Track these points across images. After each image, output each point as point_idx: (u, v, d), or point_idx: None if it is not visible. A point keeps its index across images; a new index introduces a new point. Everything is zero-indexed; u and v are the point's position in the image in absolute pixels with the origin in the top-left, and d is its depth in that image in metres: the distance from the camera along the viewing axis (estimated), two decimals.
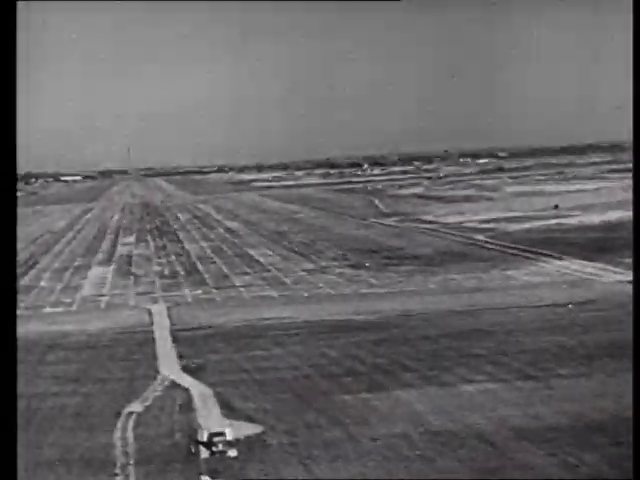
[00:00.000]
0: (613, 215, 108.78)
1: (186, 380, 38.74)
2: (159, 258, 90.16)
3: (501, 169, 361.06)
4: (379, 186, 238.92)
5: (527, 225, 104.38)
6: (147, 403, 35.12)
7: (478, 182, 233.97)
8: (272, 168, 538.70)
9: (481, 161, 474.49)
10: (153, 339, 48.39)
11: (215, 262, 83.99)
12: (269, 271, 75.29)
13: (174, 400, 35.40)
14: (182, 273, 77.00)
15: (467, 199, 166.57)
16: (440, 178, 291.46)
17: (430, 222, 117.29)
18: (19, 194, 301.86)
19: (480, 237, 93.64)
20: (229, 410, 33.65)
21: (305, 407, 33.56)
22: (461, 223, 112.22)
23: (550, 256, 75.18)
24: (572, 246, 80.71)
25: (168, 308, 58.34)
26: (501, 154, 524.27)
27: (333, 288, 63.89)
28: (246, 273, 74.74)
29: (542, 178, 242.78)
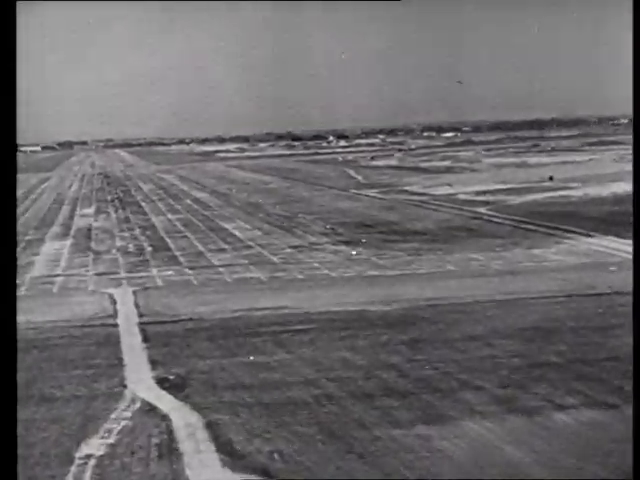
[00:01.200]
0: (619, 187, 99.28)
1: (164, 400, 28.17)
2: (122, 232, 79.21)
3: (470, 142, 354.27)
4: (349, 157, 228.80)
5: (529, 197, 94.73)
6: (110, 440, 24.46)
7: (452, 154, 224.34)
8: (233, 140, 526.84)
9: (446, 135, 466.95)
10: (117, 336, 37.63)
11: (186, 236, 73.30)
12: (250, 247, 64.75)
13: (148, 436, 24.79)
14: (149, 249, 66.25)
15: (449, 170, 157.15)
16: (411, 150, 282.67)
17: (419, 194, 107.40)
18: None
19: (482, 210, 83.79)
20: (230, 455, 23.12)
21: (342, 451, 23.11)
22: (453, 195, 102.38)
23: (573, 232, 65.37)
24: (593, 221, 71.02)
25: (135, 293, 47.65)
26: (465, 128, 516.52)
27: (332, 269, 53.46)
28: (223, 250, 64.18)
29: (519, 150, 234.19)
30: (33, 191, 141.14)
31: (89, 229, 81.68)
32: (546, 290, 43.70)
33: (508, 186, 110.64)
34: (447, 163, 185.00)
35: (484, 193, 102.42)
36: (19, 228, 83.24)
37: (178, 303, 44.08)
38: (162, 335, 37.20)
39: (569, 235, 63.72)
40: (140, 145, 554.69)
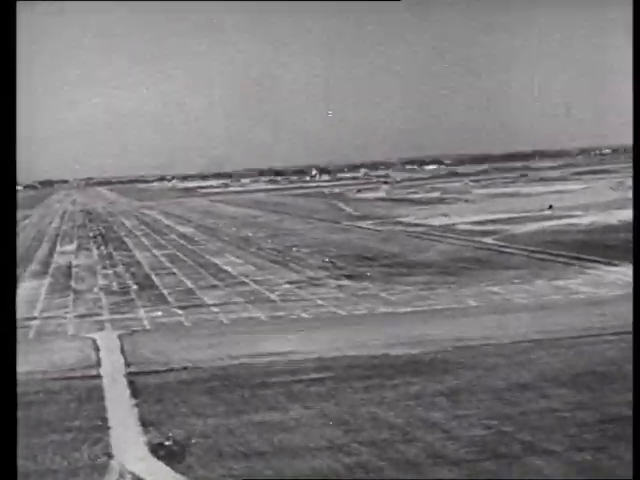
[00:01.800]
0: (625, 214, 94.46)
1: (160, 475, 22.65)
2: (104, 269, 73.69)
3: (455, 173, 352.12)
4: (336, 190, 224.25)
5: (533, 226, 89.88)
6: None
7: (439, 186, 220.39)
8: (215, 177, 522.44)
9: (429, 167, 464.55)
10: (101, 390, 32.10)
11: (173, 273, 67.88)
12: (244, 284, 59.39)
13: None
14: (134, 288, 60.72)
15: (440, 201, 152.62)
16: (397, 182, 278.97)
17: (415, 225, 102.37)
18: None
19: (487, 240, 78.72)
20: None
21: None
22: (451, 225, 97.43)
23: (595, 261, 60.33)
24: (613, 249, 65.97)
25: (120, 338, 42.18)
26: (446, 161, 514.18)
27: (339, 306, 48.17)
28: (215, 287, 58.85)
29: (507, 181, 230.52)
30: None
31: (69, 267, 76.12)
32: (588, 327, 38.52)
33: (507, 215, 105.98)
34: (436, 194, 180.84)
35: (483, 223, 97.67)
36: None
37: (170, 348, 38.69)
38: (154, 388, 31.73)
39: (590, 265, 58.74)
40: (121, 183, 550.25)
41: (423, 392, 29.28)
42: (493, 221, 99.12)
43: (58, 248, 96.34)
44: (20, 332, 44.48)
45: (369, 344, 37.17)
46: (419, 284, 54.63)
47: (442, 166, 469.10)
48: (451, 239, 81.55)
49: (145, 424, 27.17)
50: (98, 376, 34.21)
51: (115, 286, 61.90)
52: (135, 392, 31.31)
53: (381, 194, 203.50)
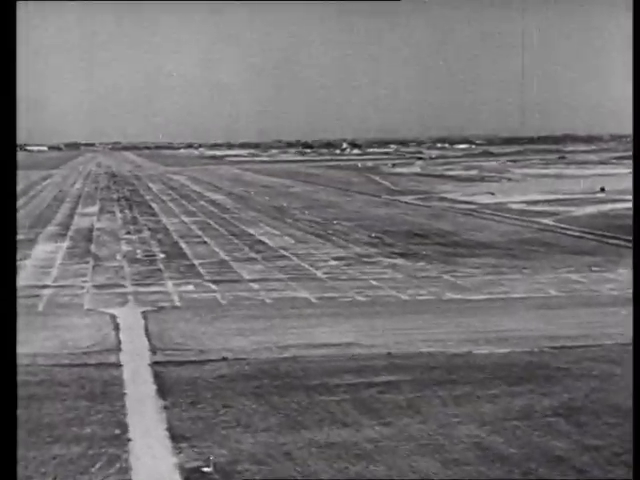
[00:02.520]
0: None
1: None
2: (128, 234, 67.26)
3: (490, 153, 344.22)
4: (369, 164, 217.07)
5: (591, 209, 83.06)
6: None
7: (475, 164, 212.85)
8: (242, 146, 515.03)
9: (460, 146, 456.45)
10: (120, 384, 25.61)
11: (205, 242, 61.39)
12: (285, 258, 52.89)
13: None
14: (161, 256, 54.26)
15: (482, 179, 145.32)
16: (432, 159, 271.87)
17: (462, 202, 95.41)
18: None
19: (547, 221, 71.81)
20: None
21: None
22: (503, 204, 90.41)
23: None
24: None
25: (145, 316, 35.71)
26: (477, 141, 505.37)
27: (399, 289, 41.49)
28: (252, 260, 52.31)
29: (545, 162, 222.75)
30: (33, 187, 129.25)
31: (90, 230, 69.74)
32: None
33: (560, 197, 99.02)
34: (475, 172, 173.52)
35: (536, 203, 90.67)
36: None
37: (204, 332, 32.23)
38: (186, 384, 25.28)
39: None
40: (148, 148, 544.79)
41: (531, 409, 22.69)
42: (545, 202, 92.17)
43: (79, 210, 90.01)
44: (29, 302, 38.38)
45: (445, 338, 30.59)
46: (485, 267, 47.99)
47: (473, 146, 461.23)
48: (507, 219, 74.70)
49: (176, 438, 20.72)
50: (117, 365, 27.82)
51: (140, 254, 55.50)
52: (163, 389, 24.87)
53: (416, 169, 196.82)
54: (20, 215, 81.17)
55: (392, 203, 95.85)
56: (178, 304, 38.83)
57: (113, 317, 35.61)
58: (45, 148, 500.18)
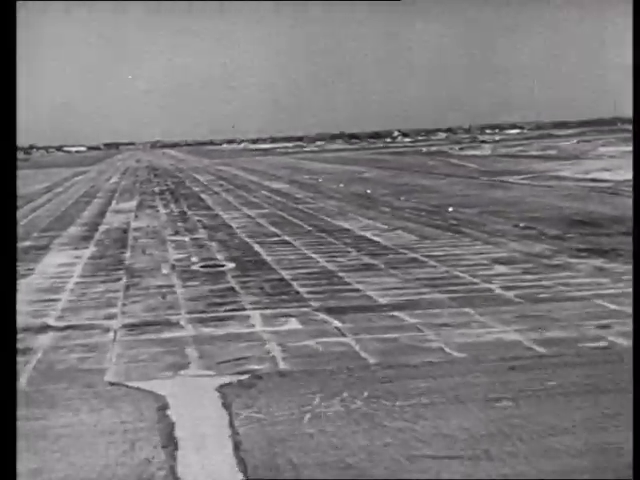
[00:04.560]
0: None
1: None
2: (177, 234, 48.41)
3: (551, 135, 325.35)
4: (433, 149, 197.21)
5: None
6: None
7: (548, 145, 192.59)
8: (286, 140, 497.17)
9: (511, 131, 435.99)
10: None
11: (287, 243, 42.41)
12: (420, 263, 33.76)
13: None
14: (230, 266, 35.18)
15: (577, 157, 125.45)
16: (496, 141, 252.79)
17: (590, 180, 75.86)
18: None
19: None
20: None
21: None
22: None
23: None
24: None
25: (224, 400, 16.49)
26: (526, 127, 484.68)
27: None
28: (371, 268, 33.26)
29: (620, 141, 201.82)
30: (60, 184, 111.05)
31: (125, 230, 50.89)
32: None
33: None
34: (554, 152, 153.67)
35: None
36: (25, 228, 52.69)
37: (356, 443, 12.78)
38: None
39: None
40: (188, 145, 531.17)
41: None
42: None
43: (112, 206, 71.32)
44: (24, 360, 19.28)
45: None
46: None
47: (525, 130, 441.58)
48: None
49: None
50: None
51: (197, 264, 36.44)
52: None
53: (487, 152, 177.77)
54: (33, 217, 62.59)
55: (499, 185, 76.52)
56: (283, 365, 19.70)
57: (161, 407, 16.54)
58: (83, 148, 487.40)
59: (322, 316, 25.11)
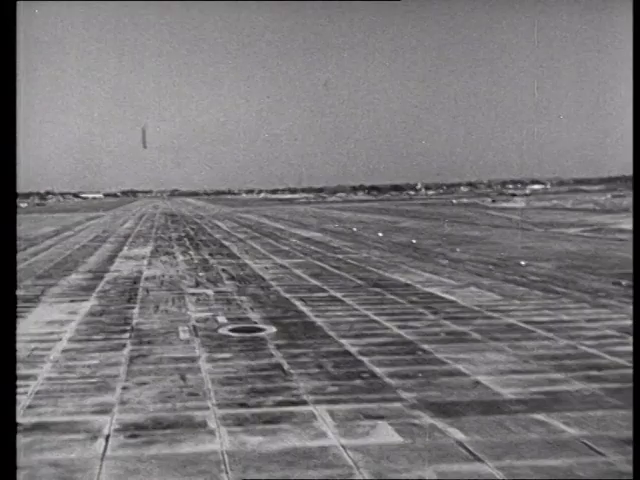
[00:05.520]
0: None
1: None
2: (198, 286, 39.41)
3: (580, 190, 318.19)
4: (464, 200, 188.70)
5: None
6: None
7: (583, 198, 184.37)
8: (305, 191, 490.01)
9: (534, 187, 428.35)
10: None
11: (340, 300, 33.42)
12: (542, 337, 24.52)
13: None
14: (271, 332, 26.11)
15: (626, 210, 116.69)
16: (527, 195, 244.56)
17: None
18: (24, 205, 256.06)
19: None
20: None
21: None
22: None
23: None
24: None
25: None
26: (547, 182, 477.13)
27: None
28: (466, 339, 24.14)
29: None
30: (71, 228, 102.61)
31: (135, 281, 41.91)
32: None
33: None
34: (591, 206, 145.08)
35: None
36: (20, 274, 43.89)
37: None
38: None
39: None
40: (207, 194, 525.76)
41: None
42: None
43: (124, 251, 62.52)
44: None
45: None
46: None
47: (548, 186, 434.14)
48: None
49: None
50: None
51: (225, 325, 27.45)
52: None
53: (521, 204, 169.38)
54: (31, 261, 53.85)
55: (560, 237, 67.57)
56: None
57: None
58: (101, 195, 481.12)
59: (426, 419, 16.08)
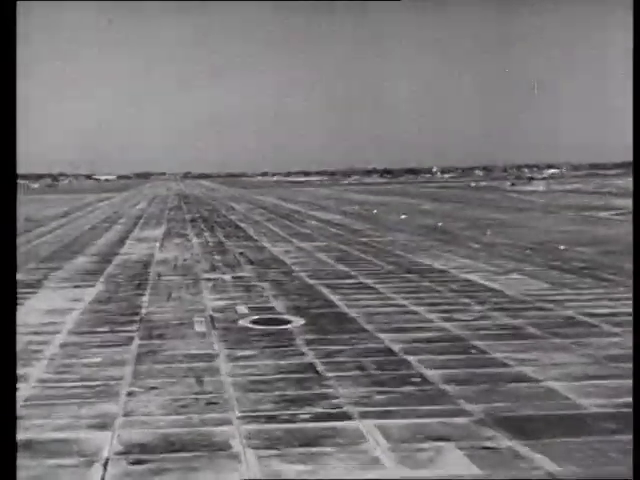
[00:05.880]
0: None
1: None
2: (214, 270, 36.19)
3: (595, 174, 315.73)
4: (482, 184, 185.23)
5: None
6: None
7: (603, 182, 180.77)
8: (318, 174, 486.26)
9: (550, 171, 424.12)
10: None
11: (372, 288, 30.26)
12: (610, 334, 21.22)
13: None
14: (298, 323, 22.84)
15: None
16: (544, 179, 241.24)
17: None
18: (36, 186, 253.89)
19: None
20: None
21: None
22: None
23: None
24: None
25: None
26: (562, 168, 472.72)
27: None
28: (522, 335, 20.83)
29: None
30: (81, 209, 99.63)
31: (146, 264, 38.74)
32: None
33: None
34: (614, 190, 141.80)
35: None
36: (20, 258, 40.68)
37: None
38: None
39: None
40: (220, 176, 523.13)
41: None
42: None
43: (135, 233, 59.41)
44: None
45: None
46: None
47: (563, 170, 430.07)
48: None
49: None
50: None
51: (246, 315, 24.30)
52: None
53: (541, 188, 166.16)
54: (37, 243, 50.72)
55: (594, 220, 64.15)
56: None
57: None
58: (113, 177, 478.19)
59: (503, 440, 12.86)
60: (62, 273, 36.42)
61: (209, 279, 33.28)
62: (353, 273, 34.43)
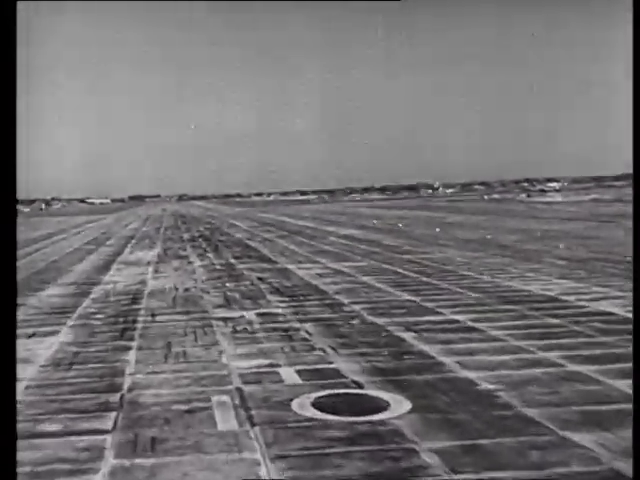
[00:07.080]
0: None
1: None
2: (228, 305, 25.57)
3: (600, 186, 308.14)
4: (495, 196, 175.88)
5: None
6: None
7: (617, 193, 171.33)
8: (316, 193, 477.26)
9: (552, 184, 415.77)
10: None
11: (479, 330, 19.53)
12: None
13: None
14: (402, 409, 12.07)
15: None
16: (557, 191, 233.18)
17: None
18: (27, 210, 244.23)
19: None
20: None
21: None
22: None
23: None
24: None
25: None
26: (562, 181, 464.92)
27: None
28: None
29: None
30: (66, 231, 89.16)
31: (135, 297, 28.19)
32: None
33: None
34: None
35: None
36: None
37: None
38: None
39: None
40: (216, 197, 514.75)
41: None
42: None
43: (124, 255, 48.86)
44: None
45: None
46: None
47: (565, 183, 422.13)
48: None
49: None
50: None
51: (298, 389, 13.56)
52: None
53: (559, 198, 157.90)
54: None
55: None
56: None
57: None
58: (108, 200, 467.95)
59: None
60: (22, 311, 25.96)
61: (225, 319, 22.82)
62: (429, 305, 24.04)
